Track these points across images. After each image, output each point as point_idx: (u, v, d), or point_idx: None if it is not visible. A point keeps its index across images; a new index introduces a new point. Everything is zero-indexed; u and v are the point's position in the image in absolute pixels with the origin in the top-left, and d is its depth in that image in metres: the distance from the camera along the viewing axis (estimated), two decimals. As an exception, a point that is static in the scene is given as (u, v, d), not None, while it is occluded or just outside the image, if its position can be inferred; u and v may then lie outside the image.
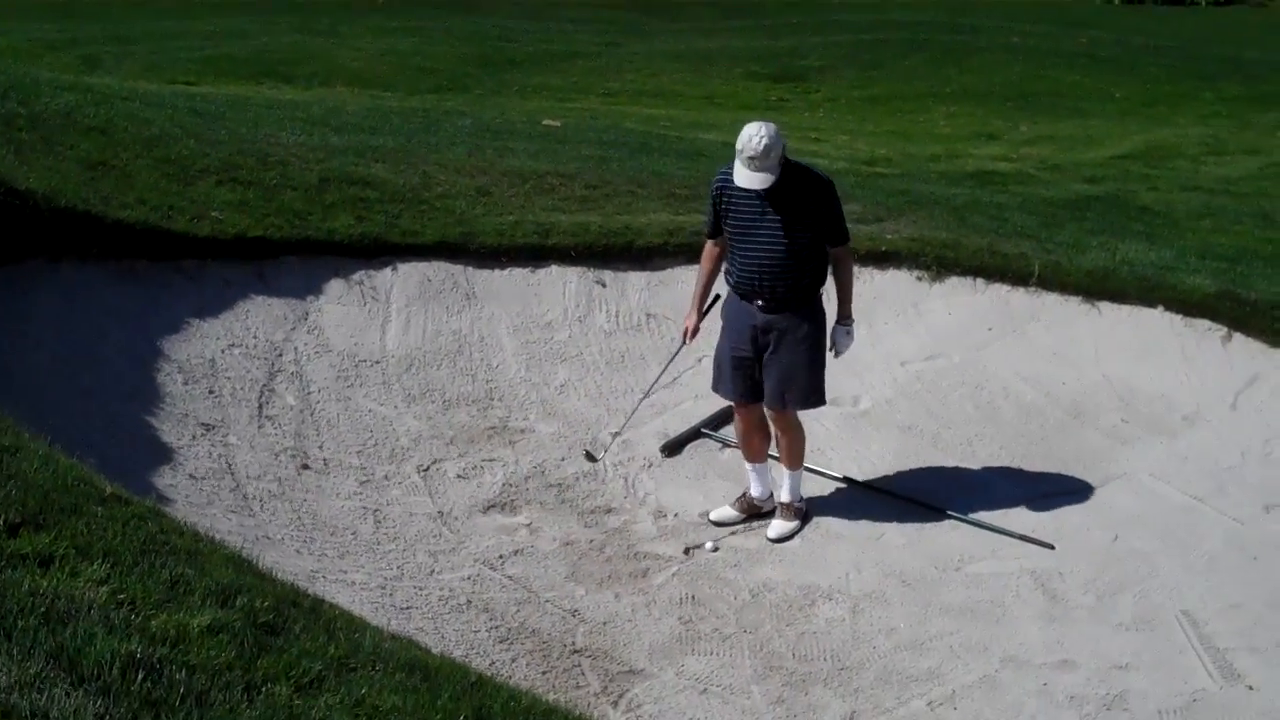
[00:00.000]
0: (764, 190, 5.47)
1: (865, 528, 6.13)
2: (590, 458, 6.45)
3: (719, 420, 6.93)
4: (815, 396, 5.94)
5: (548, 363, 7.46)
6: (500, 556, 5.70)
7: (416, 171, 9.08)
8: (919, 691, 4.95)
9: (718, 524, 6.11)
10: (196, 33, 25.05)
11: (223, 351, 6.72)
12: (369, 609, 4.87)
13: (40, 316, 6.27)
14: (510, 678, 4.66)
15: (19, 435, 4.44)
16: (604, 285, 8.05)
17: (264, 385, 6.63)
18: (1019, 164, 15.09)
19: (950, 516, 6.19)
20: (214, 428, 6.17)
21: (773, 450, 6.25)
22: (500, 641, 5.03)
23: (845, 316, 5.95)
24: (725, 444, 6.80)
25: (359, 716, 3.14)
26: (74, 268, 6.61)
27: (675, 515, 6.18)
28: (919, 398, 7.37)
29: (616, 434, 6.63)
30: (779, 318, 5.75)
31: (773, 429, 6.09)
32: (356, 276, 7.55)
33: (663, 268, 8.22)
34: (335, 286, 7.45)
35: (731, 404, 6.26)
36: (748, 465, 6.19)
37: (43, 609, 3.06)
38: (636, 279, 8.15)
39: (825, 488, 6.47)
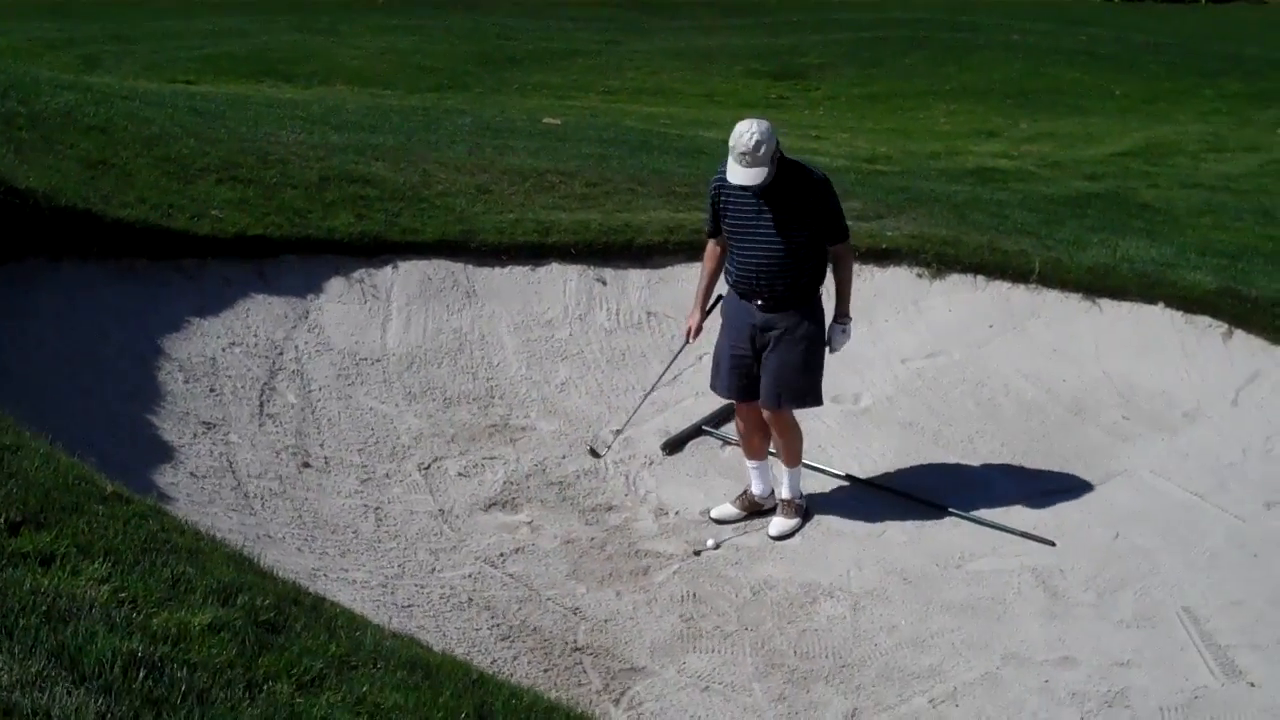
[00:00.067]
0: (759, 188, 5.47)
1: (866, 525, 6.13)
2: (594, 454, 6.47)
3: (720, 418, 6.93)
4: (811, 397, 5.92)
5: (548, 360, 7.46)
6: (501, 554, 5.70)
7: (417, 170, 9.08)
8: (920, 689, 4.94)
9: (719, 521, 6.11)
10: (196, 32, 25.07)
11: (223, 350, 6.72)
12: (370, 607, 4.87)
13: (41, 315, 6.27)
14: (512, 675, 4.66)
15: (20, 434, 4.43)
16: (604, 283, 8.05)
17: (265, 383, 6.63)
18: (1019, 161, 15.10)
19: (951, 514, 6.19)
20: (215, 426, 6.17)
21: (773, 448, 6.24)
22: (502, 639, 5.03)
23: (843, 315, 5.93)
24: (726, 442, 6.80)
25: (360, 714, 3.13)
26: (74, 266, 6.61)
27: (676, 513, 6.18)
28: (920, 395, 7.37)
29: (618, 431, 6.63)
30: (778, 316, 5.74)
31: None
32: (357, 275, 7.56)
33: (663, 265, 8.23)
34: (336, 285, 7.45)
35: (732, 402, 6.26)
36: (748, 463, 6.19)
37: (44, 607, 3.05)
38: (637, 277, 8.15)
39: (826, 485, 6.47)
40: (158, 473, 5.59)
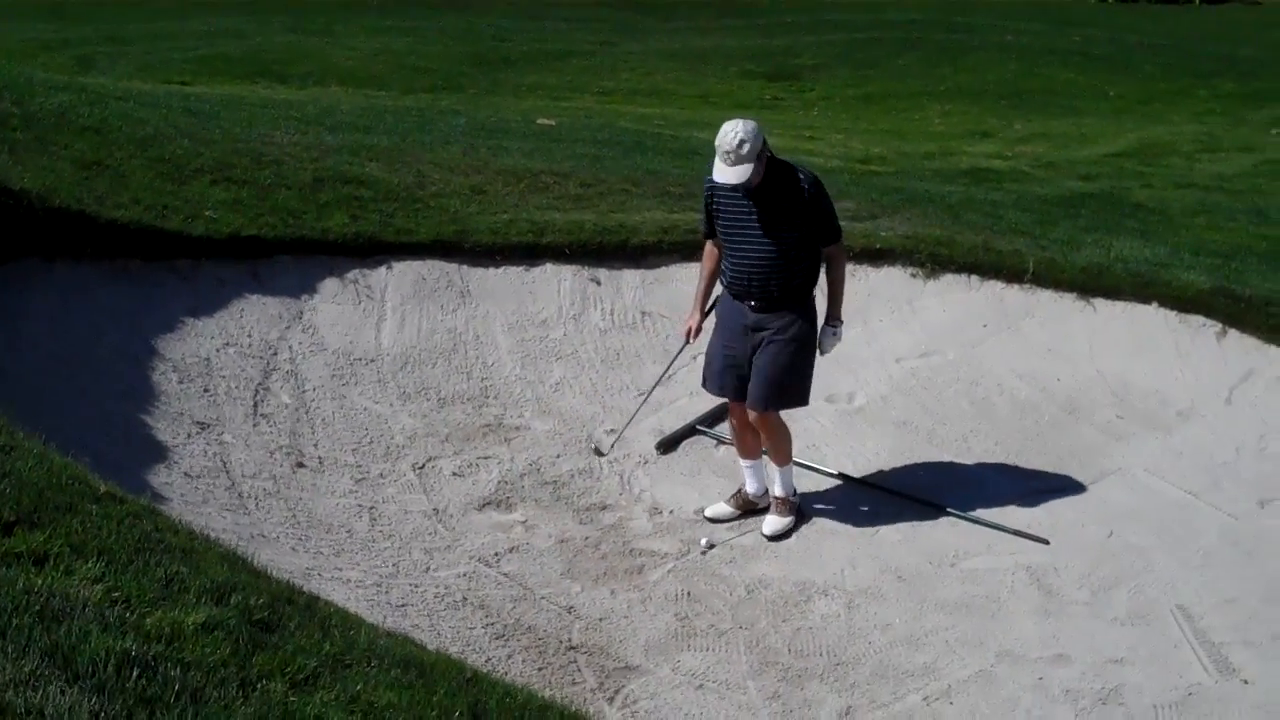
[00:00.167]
0: (745, 187, 5.47)
1: (861, 524, 6.14)
2: (599, 453, 6.51)
3: (714, 417, 6.93)
4: (797, 398, 5.90)
5: (543, 360, 7.46)
6: (496, 553, 5.70)
7: (411, 170, 9.08)
8: (915, 686, 4.95)
9: (713, 520, 6.11)
10: (191, 33, 25.07)
11: (217, 350, 6.72)
12: (364, 606, 4.87)
13: (35, 316, 6.27)
14: (506, 674, 4.66)
15: (14, 434, 4.43)
16: (599, 283, 8.06)
17: (259, 384, 6.63)
18: (1013, 161, 15.13)
19: (946, 512, 6.19)
20: (209, 426, 6.17)
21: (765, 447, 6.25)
22: (496, 638, 5.03)
23: (834, 318, 5.89)
24: (720, 441, 6.81)
25: (354, 713, 3.14)
26: (68, 267, 6.60)
27: (671, 512, 6.18)
28: (914, 394, 7.38)
29: (615, 431, 6.63)
30: (770, 317, 5.74)
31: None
32: (351, 275, 7.55)
33: (657, 266, 8.23)
34: (330, 285, 7.45)
35: (725, 401, 6.26)
36: (742, 462, 6.20)
37: (37, 607, 3.05)
38: (631, 277, 8.16)
39: (821, 484, 6.48)
40: (152, 473, 5.59)
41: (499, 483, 6.30)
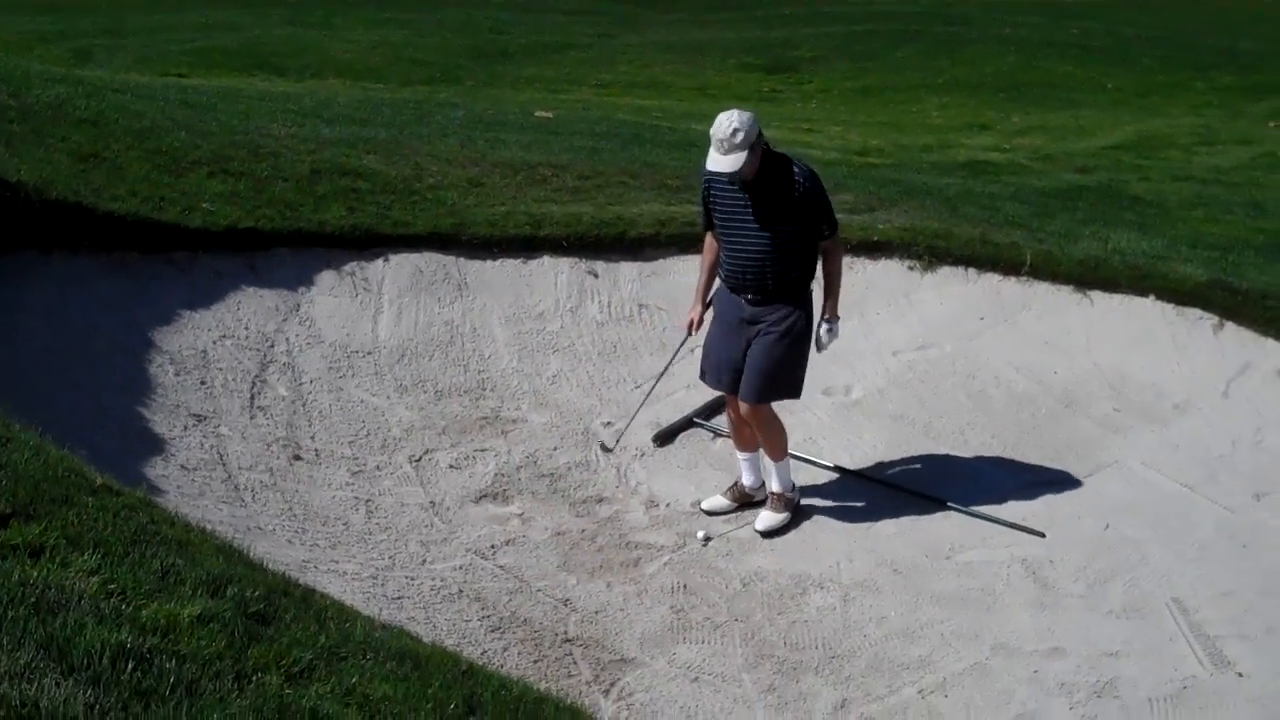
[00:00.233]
0: (737, 177, 5.45)
1: (857, 517, 6.14)
2: (605, 449, 6.51)
3: (711, 410, 6.93)
4: (789, 390, 5.88)
5: (540, 353, 7.46)
6: (492, 546, 5.70)
7: (408, 163, 9.07)
8: (910, 679, 4.96)
9: (710, 513, 6.12)
10: (188, 25, 25.04)
11: (214, 343, 6.72)
12: (360, 599, 4.87)
13: (31, 308, 6.26)
14: (502, 667, 4.67)
15: (10, 426, 4.43)
16: (596, 276, 8.05)
17: (256, 376, 6.63)
18: (1011, 154, 15.12)
19: (942, 505, 6.20)
20: (205, 418, 6.17)
21: (764, 440, 6.25)
22: (492, 631, 5.04)
23: (831, 314, 5.85)
24: (717, 433, 6.81)
25: (350, 705, 3.14)
26: (65, 260, 6.60)
27: (667, 505, 6.19)
28: (911, 387, 7.38)
29: (614, 424, 6.63)
30: (766, 310, 5.73)
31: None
32: (348, 267, 7.55)
33: (655, 258, 8.23)
34: (327, 277, 7.44)
35: (722, 394, 6.25)
36: (739, 454, 6.20)
37: (33, 599, 3.05)
38: (628, 269, 8.15)
39: (817, 477, 6.48)
40: (148, 465, 5.59)
41: (495, 475, 6.31)
